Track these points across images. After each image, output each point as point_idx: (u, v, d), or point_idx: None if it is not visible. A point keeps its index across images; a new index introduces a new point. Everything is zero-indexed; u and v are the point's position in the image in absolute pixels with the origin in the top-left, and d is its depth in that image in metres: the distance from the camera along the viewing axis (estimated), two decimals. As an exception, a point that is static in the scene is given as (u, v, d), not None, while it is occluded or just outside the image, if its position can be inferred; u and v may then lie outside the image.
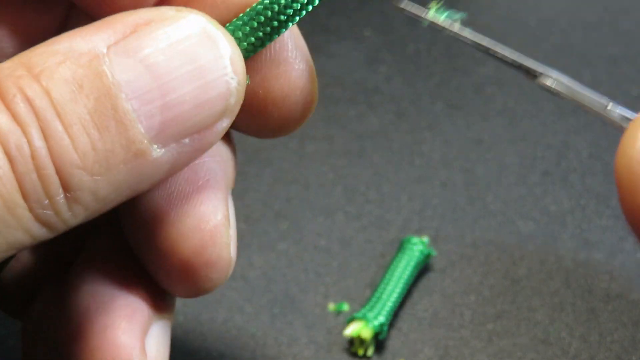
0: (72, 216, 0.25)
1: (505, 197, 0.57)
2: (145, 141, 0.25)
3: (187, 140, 0.26)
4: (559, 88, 0.28)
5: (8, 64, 0.25)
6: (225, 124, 0.27)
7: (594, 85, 0.69)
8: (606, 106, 0.27)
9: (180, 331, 0.49)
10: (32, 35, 0.33)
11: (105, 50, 0.25)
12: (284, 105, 0.32)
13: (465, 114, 0.64)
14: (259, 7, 0.29)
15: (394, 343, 0.48)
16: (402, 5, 0.31)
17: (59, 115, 0.24)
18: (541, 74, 0.28)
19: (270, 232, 0.55)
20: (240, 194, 0.58)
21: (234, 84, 0.27)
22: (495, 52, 0.27)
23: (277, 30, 0.29)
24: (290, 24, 0.30)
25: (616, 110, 0.28)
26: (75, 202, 0.25)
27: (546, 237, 0.54)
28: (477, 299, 0.51)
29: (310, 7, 0.30)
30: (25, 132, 0.24)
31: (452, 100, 0.66)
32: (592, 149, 0.61)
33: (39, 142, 0.24)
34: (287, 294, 0.51)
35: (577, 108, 0.72)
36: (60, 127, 0.24)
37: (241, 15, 0.29)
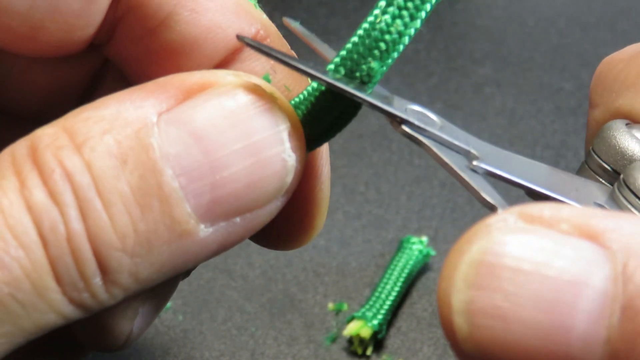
0: (109, 298, 0.23)
1: (504, 196, 0.57)
2: (192, 221, 0.23)
3: (238, 219, 0.24)
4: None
5: (50, 130, 0.23)
6: (280, 202, 0.25)
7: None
8: (469, 162, 0.25)
9: (180, 330, 0.49)
10: (63, 87, 0.31)
11: (155, 119, 0.23)
12: (304, 220, 0.29)
13: (464, 114, 0.65)
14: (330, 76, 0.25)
15: (393, 342, 0.49)
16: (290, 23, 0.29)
17: (99, 193, 0.22)
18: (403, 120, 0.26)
19: (270, 232, 0.55)
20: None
21: (291, 162, 0.24)
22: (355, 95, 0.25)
23: (341, 120, 0.26)
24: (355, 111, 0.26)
25: (480, 165, 0.25)
26: (114, 284, 0.23)
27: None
28: (476, 298, 0.51)
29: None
30: (62, 212, 0.22)
31: (451, 101, 0.66)
32: (590, 149, 0.61)
33: (76, 223, 0.22)
34: (287, 294, 0.51)
35: (577, 108, 0.72)
36: (100, 207, 0.22)
37: (302, 96, 0.26)
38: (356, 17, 0.73)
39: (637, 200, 0.26)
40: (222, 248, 0.25)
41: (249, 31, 0.28)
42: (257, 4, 0.29)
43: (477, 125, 0.64)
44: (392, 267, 0.51)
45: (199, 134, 0.23)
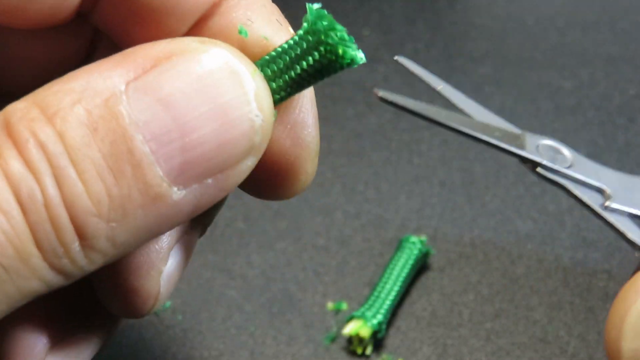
0: (88, 263, 0.24)
1: (503, 196, 0.57)
2: (165, 184, 0.24)
3: (210, 180, 0.25)
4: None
5: (22, 104, 0.24)
6: (250, 162, 0.26)
7: (592, 84, 0.70)
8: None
9: (179, 330, 0.49)
10: (56, 62, 0.32)
11: (123, 88, 0.24)
12: (289, 169, 0.30)
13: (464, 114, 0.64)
14: (294, 39, 0.27)
15: (392, 342, 0.49)
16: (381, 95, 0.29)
17: (72, 161, 0.23)
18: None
19: (269, 231, 0.55)
20: (239, 193, 0.58)
21: (258, 121, 0.25)
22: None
23: (314, 73, 0.27)
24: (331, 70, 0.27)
25: (612, 206, 0.26)
26: (92, 249, 0.24)
27: (544, 236, 0.54)
28: (475, 297, 0.51)
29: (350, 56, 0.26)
30: (38, 180, 0.23)
31: (451, 100, 0.66)
32: (590, 148, 0.61)
33: (52, 190, 0.23)
34: (286, 293, 0.51)
35: (577, 107, 0.72)
36: (73, 174, 0.23)
37: (276, 48, 0.27)
38: (355, 17, 0.73)
39: None
40: (197, 210, 0.25)
41: None
42: None
43: (477, 124, 0.63)
44: (391, 266, 0.51)
45: (167, 100, 0.24)
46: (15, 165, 0.23)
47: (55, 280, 0.24)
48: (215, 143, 0.25)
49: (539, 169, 0.26)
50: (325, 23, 0.26)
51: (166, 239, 0.32)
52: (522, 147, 0.26)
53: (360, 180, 0.59)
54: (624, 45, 0.70)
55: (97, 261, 0.24)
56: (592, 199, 0.26)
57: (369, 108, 0.65)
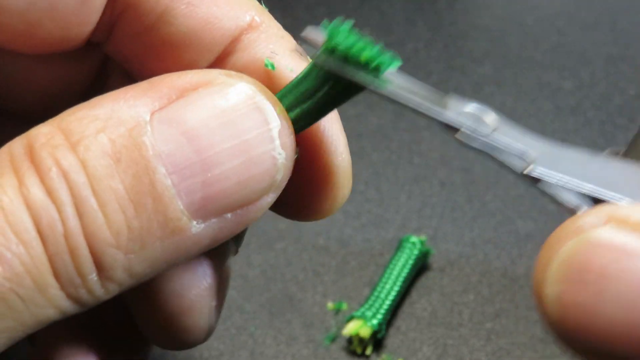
0: (105, 293, 0.24)
1: (503, 196, 0.57)
2: (184, 218, 0.24)
3: (229, 215, 0.25)
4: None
5: (46, 129, 0.23)
6: (270, 198, 0.26)
7: (592, 84, 0.70)
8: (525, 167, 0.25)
9: (180, 330, 0.49)
10: (63, 87, 0.31)
11: (147, 118, 0.24)
12: (326, 193, 0.30)
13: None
14: (311, 69, 0.26)
15: (392, 342, 0.49)
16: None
17: (94, 191, 0.23)
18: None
19: (269, 231, 0.55)
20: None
21: (281, 159, 0.25)
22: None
23: (331, 100, 0.26)
24: (346, 96, 0.26)
25: (536, 170, 0.26)
26: (109, 280, 0.24)
27: (545, 236, 0.54)
28: (475, 297, 0.51)
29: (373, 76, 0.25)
30: (59, 210, 0.22)
31: (451, 100, 0.66)
32: (590, 148, 0.61)
33: (73, 221, 0.23)
34: (286, 293, 0.51)
35: (577, 107, 0.72)
36: (95, 205, 0.23)
37: (295, 79, 0.27)
38: (356, 17, 0.73)
39: None
40: (214, 243, 0.25)
41: (244, 19, 0.28)
42: None
43: (477, 124, 0.63)
44: (391, 266, 0.51)
45: (191, 133, 0.24)
46: (37, 193, 0.22)
47: (70, 308, 0.24)
48: (236, 179, 0.24)
49: (457, 135, 0.25)
50: (341, 46, 0.25)
51: (215, 276, 0.32)
52: (443, 111, 0.25)
53: (360, 180, 0.59)
54: (624, 45, 0.70)
55: (113, 291, 0.24)
56: (516, 163, 0.25)
57: (369, 108, 0.65)
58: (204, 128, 0.24)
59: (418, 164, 0.60)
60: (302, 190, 0.29)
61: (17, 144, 0.23)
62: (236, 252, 0.35)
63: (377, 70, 0.25)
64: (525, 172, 0.25)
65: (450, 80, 0.68)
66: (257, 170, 0.25)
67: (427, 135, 0.62)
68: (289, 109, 0.26)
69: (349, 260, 0.53)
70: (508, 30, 0.72)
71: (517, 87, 0.66)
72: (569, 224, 0.23)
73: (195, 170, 0.24)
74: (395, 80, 0.26)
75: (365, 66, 0.25)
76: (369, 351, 0.48)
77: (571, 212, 0.25)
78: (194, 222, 0.24)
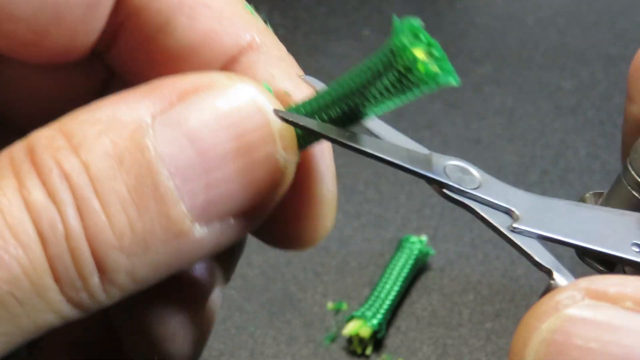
0: (106, 298, 0.24)
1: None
2: (187, 221, 0.23)
3: (232, 220, 0.25)
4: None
5: (48, 132, 0.23)
6: (273, 202, 0.25)
7: (591, 84, 0.70)
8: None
9: (179, 330, 0.49)
10: (66, 97, 0.31)
11: (149, 121, 0.23)
12: (309, 223, 0.30)
13: (464, 113, 0.65)
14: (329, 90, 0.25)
15: (392, 342, 0.49)
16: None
17: (96, 192, 0.22)
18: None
19: (269, 231, 0.55)
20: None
21: (283, 162, 0.25)
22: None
23: (349, 116, 0.25)
24: (362, 115, 0.25)
25: (520, 227, 0.26)
26: (111, 283, 0.23)
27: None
28: (475, 297, 0.51)
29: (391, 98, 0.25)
30: (60, 211, 0.22)
31: (451, 100, 0.66)
32: (590, 148, 0.61)
33: (74, 222, 0.22)
34: (286, 293, 0.51)
35: (577, 107, 0.72)
36: (97, 206, 0.22)
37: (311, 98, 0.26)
38: (355, 17, 0.73)
39: None
40: (217, 248, 0.25)
41: (244, 38, 0.28)
42: (253, 11, 0.29)
43: (477, 124, 0.64)
44: (391, 266, 0.51)
45: (193, 135, 0.23)
46: (38, 194, 0.22)
47: (71, 313, 0.23)
48: (239, 182, 0.24)
49: (445, 191, 0.25)
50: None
51: (201, 304, 0.31)
52: (429, 168, 0.25)
53: (360, 180, 0.59)
54: (624, 45, 0.70)
55: (115, 296, 0.24)
56: (499, 221, 0.25)
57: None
58: (205, 130, 0.24)
59: (418, 164, 0.60)
60: (286, 219, 0.29)
61: (18, 147, 0.23)
62: (227, 281, 0.34)
63: (434, 79, 0.24)
64: (511, 229, 0.25)
65: (450, 80, 0.67)
66: (259, 172, 0.24)
67: (427, 135, 0.62)
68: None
69: (349, 260, 0.53)
70: (508, 30, 0.72)
71: (517, 87, 0.66)
72: (547, 300, 0.22)
73: (198, 172, 0.23)
74: (378, 133, 0.26)
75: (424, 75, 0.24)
76: (369, 351, 0.48)
77: (547, 272, 0.24)
78: (197, 226, 0.24)
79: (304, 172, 0.28)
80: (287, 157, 0.25)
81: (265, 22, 0.29)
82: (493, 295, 0.51)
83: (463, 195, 0.26)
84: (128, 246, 0.23)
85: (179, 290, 0.31)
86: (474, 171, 0.26)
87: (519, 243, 0.25)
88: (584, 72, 0.68)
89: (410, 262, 0.51)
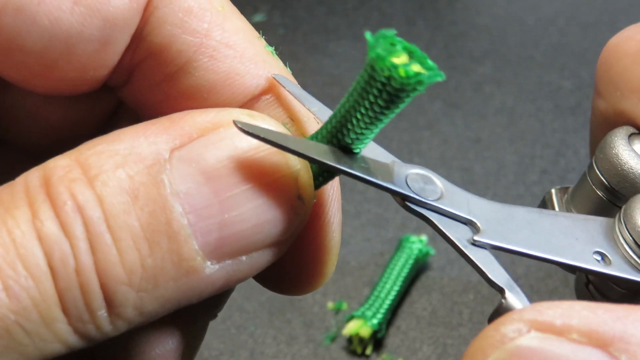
0: (113, 329, 0.23)
1: (503, 195, 0.57)
2: (199, 258, 0.23)
3: (244, 257, 0.24)
4: None
5: (64, 161, 0.23)
6: (287, 243, 0.25)
7: (591, 84, 0.70)
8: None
9: (180, 329, 0.49)
10: (74, 126, 0.31)
11: (167, 156, 0.23)
12: (311, 270, 0.29)
13: (464, 113, 0.65)
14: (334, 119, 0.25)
15: (392, 341, 0.49)
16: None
17: (109, 227, 0.22)
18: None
19: (269, 231, 0.55)
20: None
21: (299, 203, 0.24)
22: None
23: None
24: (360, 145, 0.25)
25: (482, 240, 0.25)
26: (118, 317, 0.23)
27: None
28: (475, 297, 0.51)
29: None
30: (72, 245, 0.22)
31: (451, 99, 0.66)
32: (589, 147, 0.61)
33: (85, 256, 0.22)
34: (286, 293, 0.51)
35: (577, 106, 0.72)
36: (109, 241, 0.22)
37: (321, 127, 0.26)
38: (355, 16, 0.73)
39: (635, 244, 0.26)
40: (227, 285, 0.25)
41: (265, 79, 0.28)
42: (274, 52, 0.29)
43: (477, 123, 0.64)
44: (391, 266, 0.51)
45: (210, 173, 0.23)
46: (51, 227, 0.22)
47: (77, 343, 0.23)
48: (254, 222, 0.24)
49: (407, 203, 0.25)
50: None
51: (183, 336, 0.31)
52: (390, 178, 0.25)
53: (360, 180, 0.59)
54: (624, 45, 0.70)
55: (122, 328, 0.24)
56: (460, 233, 0.25)
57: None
58: (223, 169, 0.23)
59: (418, 164, 0.60)
60: (289, 265, 0.29)
61: (33, 176, 0.23)
62: (214, 316, 0.34)
63: (420, 83, 0.24)
64: (472, 242, 0.25)
65: (451, 79, 0.68)
66: (275, 213, 0.24)
67: (427, 135, 0.62)
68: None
69: (349, 260, 0.53)
70: (508, 30, 0.72)
71: (517, 86, 0.66)
72: (492, 333, 0.22)
73: (213, 211, 0.23)
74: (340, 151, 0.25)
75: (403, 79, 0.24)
76: (369, 351, 0.48)
77: (499, 291, 0.24)
78: (208, 263, 0.24)
79: (313, 219, 0.28)
80: (304, 197, 0.25)
81: (273, 52, 0.29)
82: (493, 295, 0.51)
83: (425, 207, 0.25)
84: (138, 282, 0.23)
85: (162, 321, 0.31)
86: (437, 180, 0.26)
87: (474, 259, 0.24)
88: (584, 71, 0.68)
89: (410, 261, 0.51)
